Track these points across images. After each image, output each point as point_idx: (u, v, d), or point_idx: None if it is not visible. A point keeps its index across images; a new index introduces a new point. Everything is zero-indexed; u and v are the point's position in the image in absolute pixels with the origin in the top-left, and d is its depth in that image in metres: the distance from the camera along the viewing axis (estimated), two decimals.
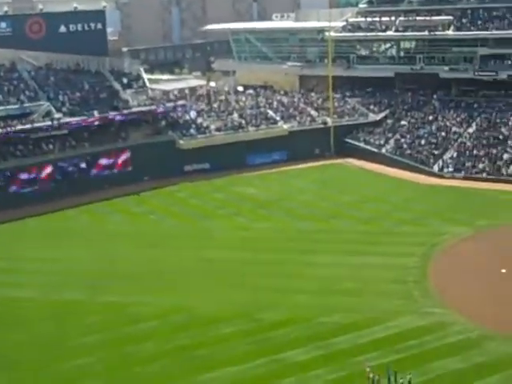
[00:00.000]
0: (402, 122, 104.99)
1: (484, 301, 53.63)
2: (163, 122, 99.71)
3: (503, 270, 58.84)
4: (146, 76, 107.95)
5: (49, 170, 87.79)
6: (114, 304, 56.00)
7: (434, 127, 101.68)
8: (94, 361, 47.16)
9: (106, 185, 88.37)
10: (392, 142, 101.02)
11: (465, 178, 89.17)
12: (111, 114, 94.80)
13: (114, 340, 50.05)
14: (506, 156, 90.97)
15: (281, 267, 62.18)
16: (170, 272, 62.77)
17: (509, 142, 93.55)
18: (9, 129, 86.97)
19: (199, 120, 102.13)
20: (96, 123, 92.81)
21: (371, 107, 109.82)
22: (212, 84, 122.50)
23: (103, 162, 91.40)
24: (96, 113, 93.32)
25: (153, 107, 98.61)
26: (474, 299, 54.07)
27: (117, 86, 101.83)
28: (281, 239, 69.99)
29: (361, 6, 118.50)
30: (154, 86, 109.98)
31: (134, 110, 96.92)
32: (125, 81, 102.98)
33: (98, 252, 68.70)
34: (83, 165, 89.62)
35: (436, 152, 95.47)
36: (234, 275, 61.15)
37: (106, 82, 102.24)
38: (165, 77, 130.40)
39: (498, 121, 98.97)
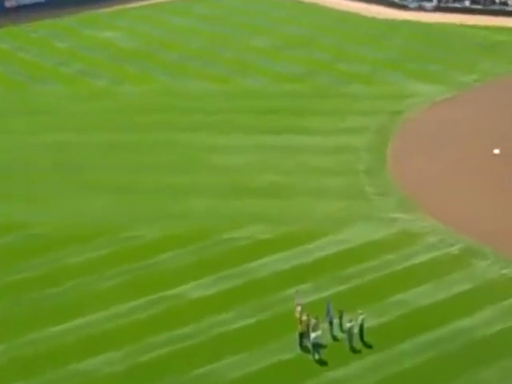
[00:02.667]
0: None
1: (469, 200, 54.43)
2: None
3: (496, 151, 59.84)
4: None
5: None
6: None
7: None
8: None
9: None
10: None
11: (438, 10, 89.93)
12: None
13: None
14: None
15: (164, 154, 62.01)
16: None
17: None
18: None
19: None
20: None
21: None
22: None
23: None
24: None
25: None
26: (455, 197, 54.86)
27: None
28: (161, 109, 69.68)
29: None
30: None
31: None
32: None
33: None
34: None
35: None
36: (90, 169, 60.61)
37: None
38: None
39: None
